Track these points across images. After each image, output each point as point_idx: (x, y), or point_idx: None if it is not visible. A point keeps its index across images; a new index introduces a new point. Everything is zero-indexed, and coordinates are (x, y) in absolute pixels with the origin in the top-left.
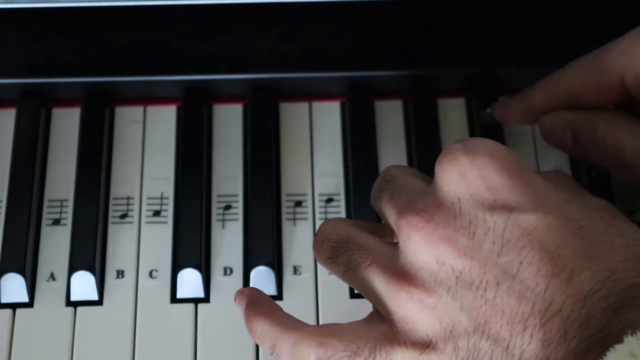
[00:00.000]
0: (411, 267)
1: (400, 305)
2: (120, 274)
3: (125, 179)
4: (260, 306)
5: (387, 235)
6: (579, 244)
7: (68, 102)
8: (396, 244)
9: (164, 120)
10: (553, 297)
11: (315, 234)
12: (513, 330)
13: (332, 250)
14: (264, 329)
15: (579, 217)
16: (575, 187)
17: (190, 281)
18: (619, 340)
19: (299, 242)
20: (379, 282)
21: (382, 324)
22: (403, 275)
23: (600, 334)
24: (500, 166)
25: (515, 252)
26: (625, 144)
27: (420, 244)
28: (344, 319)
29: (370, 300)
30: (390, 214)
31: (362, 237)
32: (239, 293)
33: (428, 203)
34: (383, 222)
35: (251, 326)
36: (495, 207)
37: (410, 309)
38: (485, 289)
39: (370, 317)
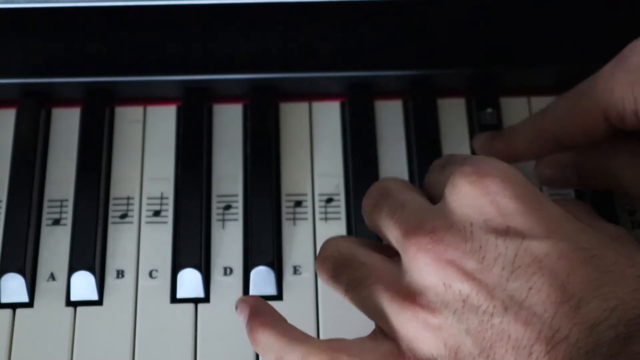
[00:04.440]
0: (417, 287)
1: (405, 324)
2: (120, 274)
3: (125, 179)
4: (264, 316)
5: (389, 253)
6: (589, 273)
7: (68, 102)
8: (399, 262)
9: (164, 120)
10: (560, 324)
11: (318, 253)
12: (518, 356)
13: (334, 269)
14: (269, 341)
15: (591, 245)
16: (588, 213)
17: (190, 281)
18: None
19: (299, 242)
20: (383, 300)
21: (387, 341)
22: (408, 294)
23: None
24: (515, 192)
25: (525, 279)
26: (624, 171)
27: (427, 265)
28: (343, 319)
29: (373, 318)
30: (391, 232)
31: (364, 255)
32: (241, 302)
33: (438, 224)
34: (377, 234)
35: (255, 337)
36: (507, 233)
37: (415, 328)
38: (492, 314)
39: (374, 334)
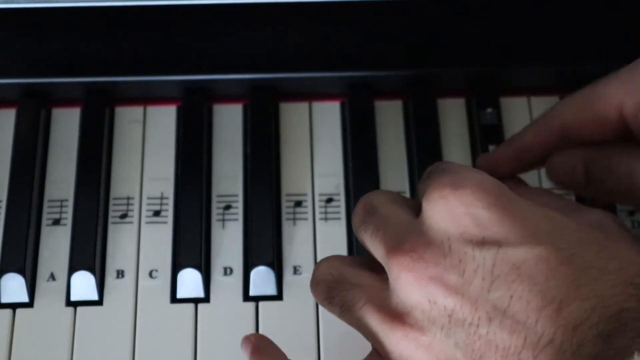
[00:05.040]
0: (404, 307)
1: (397, 344)
2: (120, 274)
3: (125, 179)
4: (264, 354)
5: (381, 268)
6: (568, 273)
7: (68, 102)
8: (388, 279)
9: (164, 120)
10: (544, 328)
11: (312, 275)
12: None
13: (328, 291)
14: None
15: (569, 245)
16: (564, 203)
17: (190, 281)
18: None
19: (299, 242)
20: (374, 322)
21: None
22: (397, 315)
23: None
24: (489, 201)
25: (505, 287)
26: (637, 169)
27: (410, 284)
28: None
29: (368, 339)
30: (376, 250)
31: (355, 276)
32: (245, 339)
33: (417, 242)
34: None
35: None
36: (484, 243)
37: (406, 347)
38: (478, 326)
39: (370, 355)
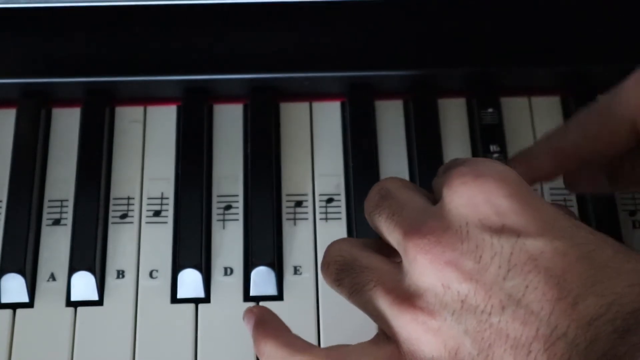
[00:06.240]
0: (416, 290)
1: (405, 327)
2: (120, 274)
3: (125, 179)
4: (268, 327)
5: (392, 252)
6: (585, 269)
7: (68, 102)
8: (400, 263)
9: (164, 120)
10: (558, 321)
11: (322, 257)
12: (517, 355)
13: (337, 273)
14: (272, 351)
15: (587, 241)
16: (575, 219)
17: (190, 281)
18: None
19: (299, 242)
20: (384, 304)
21: (388, 344)
22: (408, 297)
23: (605, 358)
24: (509, 191)
25: (521, 277)
26: None
27: (426, 267)
28: (344, 319)
29: (376, 321)
30: (391, 233)
31: (365, 258)
32: (248, 312)
33: (435, 225)
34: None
35: (259, 347)
36: (502, 231)
37: (415, 330)
38: (490, 314)
39: (377, 337)
